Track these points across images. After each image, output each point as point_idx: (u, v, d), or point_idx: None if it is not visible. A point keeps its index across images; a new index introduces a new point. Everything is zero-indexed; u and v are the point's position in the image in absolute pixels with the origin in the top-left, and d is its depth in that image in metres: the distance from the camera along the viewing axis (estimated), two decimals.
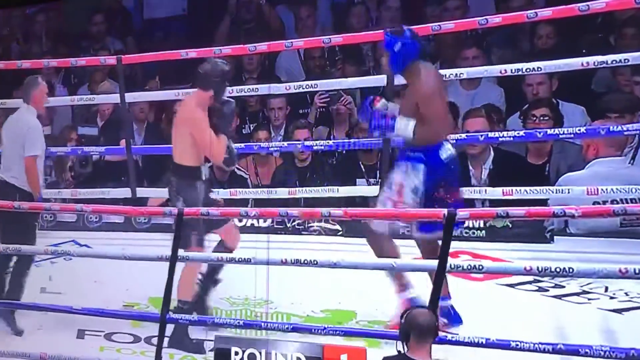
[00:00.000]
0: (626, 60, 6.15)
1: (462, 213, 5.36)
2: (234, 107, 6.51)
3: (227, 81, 6.47)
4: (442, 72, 6.39)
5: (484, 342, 5.28)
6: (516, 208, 5.29)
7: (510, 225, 6.32)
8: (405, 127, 5.68)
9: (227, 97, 6.52)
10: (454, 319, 5.78)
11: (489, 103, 6.93)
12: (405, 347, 4.60)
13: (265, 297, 6.39)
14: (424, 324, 4.58)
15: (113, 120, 7.98)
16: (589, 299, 5.88)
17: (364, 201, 6.84)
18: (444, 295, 5.67)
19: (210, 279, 6.47)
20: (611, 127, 6.16)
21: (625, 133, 6.17)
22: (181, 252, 6.09)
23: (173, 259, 6.08)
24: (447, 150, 5.79)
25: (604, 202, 6.01)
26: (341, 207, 6.37)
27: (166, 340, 6.17)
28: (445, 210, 5.36)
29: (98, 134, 7.94)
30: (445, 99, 6.01)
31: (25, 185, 6.97)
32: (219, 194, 6.89)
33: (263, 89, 7.24)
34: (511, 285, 6.09)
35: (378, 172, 6.90)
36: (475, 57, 6.96)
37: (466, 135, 6.40)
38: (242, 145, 7.02)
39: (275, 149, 6.92)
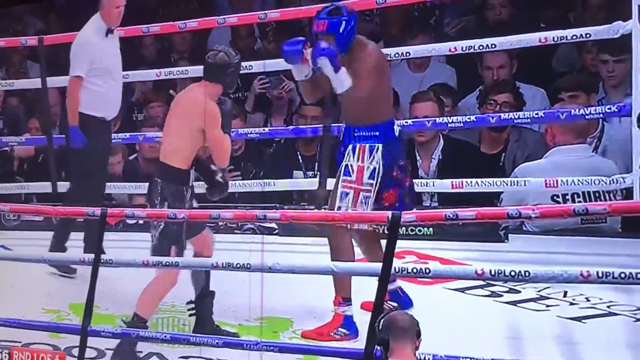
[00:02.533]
0: (588, 35, 5.71)
1: (407, 216, 4.89)
2: (232, 107, 5.84)
3: (238, 74, 5.80)
4: (386, 51, 5.91)
5: (430, 359, 4.77)
6: (466, 209, 4.82)
7: (460, 222, 5.82)
8: (345, 77, 5.21)
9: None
10: (404, 300, 5.42)
11: (439, 83, 6.48)
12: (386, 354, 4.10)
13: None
14: (399, 322, 4.12)
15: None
16: (547, 306, 5.42)
17: (300, 194, 6.50)
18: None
19: (204, 297, 5.84)
20: (572, 111, 5.71)
21: (587, 117, 5.72)
22: (104, 256, 5.66)
23: (96, 263, 5.66)
24: (398, 128, 5.43)
25: (564, 195, 5.63)
26: (277, 202, 6.24)
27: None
28: (389, 213, 4.93)
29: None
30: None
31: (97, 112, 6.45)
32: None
33: (194, 71, 6.58)
34: (461, 290, 5.63)
35: (317, 164, 6.47)
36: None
37: (412, 122, 5.95)
38: None
39: None
